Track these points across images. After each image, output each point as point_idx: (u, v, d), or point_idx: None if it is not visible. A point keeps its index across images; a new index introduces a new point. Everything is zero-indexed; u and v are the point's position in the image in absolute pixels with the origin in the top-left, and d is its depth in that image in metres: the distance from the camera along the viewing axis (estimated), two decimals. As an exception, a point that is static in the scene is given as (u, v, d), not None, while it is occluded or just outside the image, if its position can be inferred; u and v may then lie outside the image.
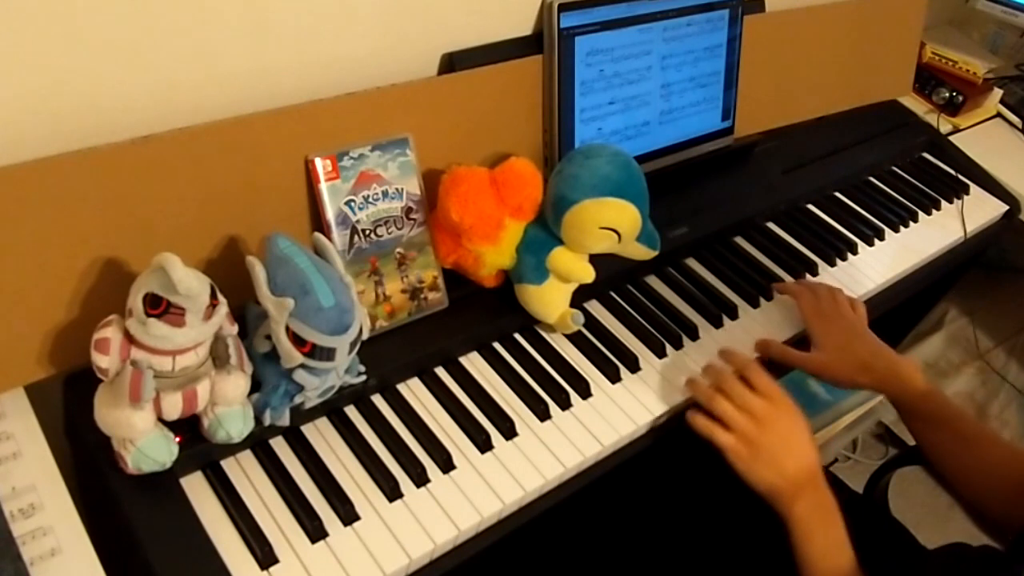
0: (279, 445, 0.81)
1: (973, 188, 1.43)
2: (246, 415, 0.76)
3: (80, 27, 0.72)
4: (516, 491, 0.82)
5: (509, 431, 0.87)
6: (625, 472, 0.92)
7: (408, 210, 0.91)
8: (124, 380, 0.68)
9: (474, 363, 0.94)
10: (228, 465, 0.79)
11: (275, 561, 0.72)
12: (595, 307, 1.05)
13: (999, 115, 1.60)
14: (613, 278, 1.05)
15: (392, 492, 0.79)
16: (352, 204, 0.87)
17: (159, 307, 0.67)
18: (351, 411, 0.86)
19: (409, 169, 0.91)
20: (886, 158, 1.43)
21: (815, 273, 1.19)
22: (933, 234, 1.31)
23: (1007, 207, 1.41)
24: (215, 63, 0.82)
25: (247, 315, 0.81)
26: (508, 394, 0.91)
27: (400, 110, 0.91)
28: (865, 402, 1.60)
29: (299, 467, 0.80)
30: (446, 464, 0.83)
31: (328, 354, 0.75)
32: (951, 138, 1.50)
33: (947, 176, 1.44)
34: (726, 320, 1.07)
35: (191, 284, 0.67)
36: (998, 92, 1.59)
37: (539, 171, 0.93)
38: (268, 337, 0.76)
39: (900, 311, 1.29)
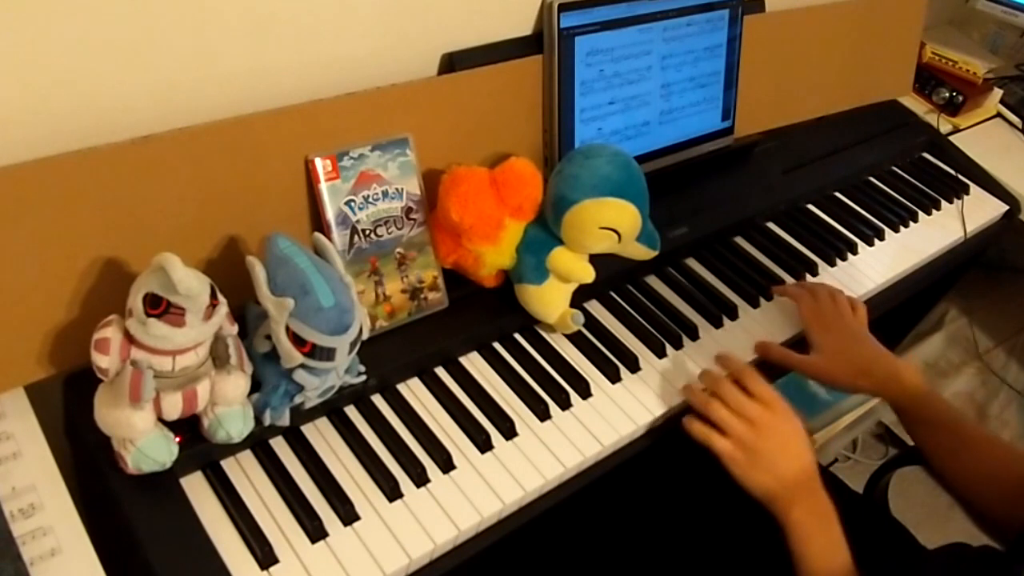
0: (279, 445, 0.81)
1: (973, 188, 1.43)
2: (246, 415, 0.76)
3: (80, 27, 0.72)
4: (516, 491, 0.82)
5: (509, 431, 0.87)
6: (625, 472, 0.92)
7: (408, 210, 0.91)
8: (124, 380, 0.68)
9: (474, 363, 0.94)
10: (228, 465, 0.79)
11: (275, 561, 0.72)
12: (595, 307, 1.05)
13: (999, 115, 1.60)
14: (613, 278, 1.05)
15: (392, 492, 0.79)
16: (352, 204, 0.87)
17: (159, 307, 0.67)
18: (351, 411, 0.86)
19: (409, 169, 0.91)
20: (886, 158, 1.43)
21: (815, 273, 1.19)
22: (933, 234, 1.31)
23: (1007, 207, 1.41)
24: (215, 63, 0.82)
25: (247, 315, 0.81)
26: (508, 394, 0.91)
27: (400, 110, 0.91)
28: (865, 402, 1.60)
29: (299, 467, 0.80)
30: (446, 464, 0.83)
31: (328, 354, 0.75)
32: (951, 138, 1.50)
33: (947, 176, 1.44)
34: (726, 320, 1.07)
35: (191, 284, 0.67)
36: (998, 92, 1.59)
37: (539, 171, 0.93)
38: (268, 337, 0.76)
39: (900, 311, 1.29)
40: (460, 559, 0.80)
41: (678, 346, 1.02)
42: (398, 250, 0.91)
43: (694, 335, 1.04)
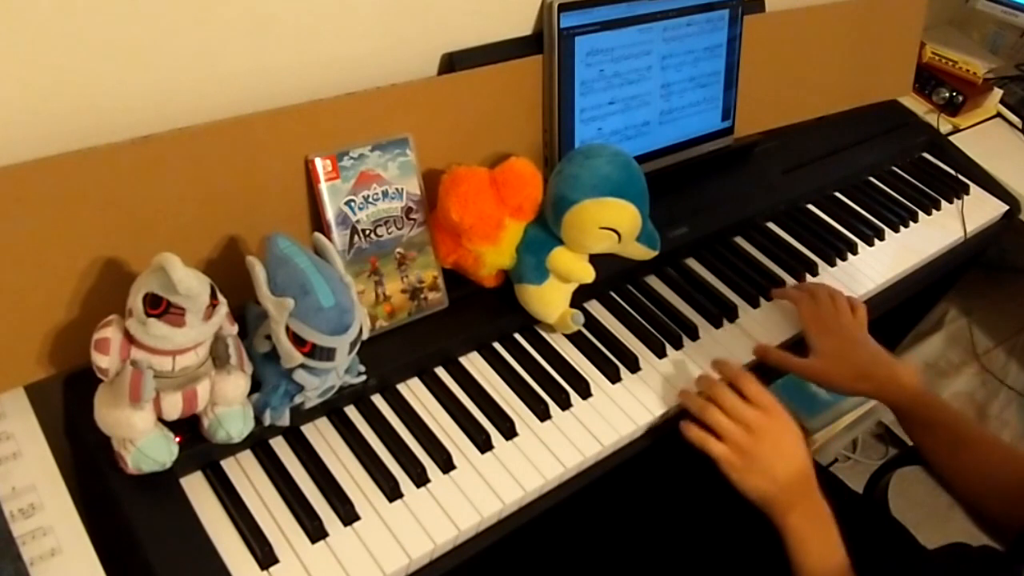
0: (279, 445, 0.81)
1: (973, 188, 1.43)
2: (246, 415, 0.76)
3: (80, 27, 0.72)
4: (516, 491, 0.82)
5: (509, 431, 0.87)
6: (625, 472, 0.92)
7: (408, 210, 0.91)
8: (124, 380, 0.68)
9: (474, 363, 0.94)
10: (228, 465, 0.79)
11: (275, 561, 0.72)
12: (595, 307, 1.05)
13: (999, 115, 1.60)
14: (613, 278, 1.05)
15: (392, 492, 0.79)
16: (352, 204, 0.87)
17: (159, 307, 0.67)
18: (351, 411, 0.86)
19: (409, 169, 0.91)
20: (886, 158, 1.43)
21: (815, 273, 1.19)
22: (933, 234, 1.31)
23: (1007, 207, 1.41)
24: (215, 63, 0.82)
25: (247, 315, 0.81)
26: (508, 394, 0.91)
27: (400, 110, 0.91)
28: (865, 402, 1.60)
29: (299, 467, 0.80)
30: (446, 464, 0.83)
31: (328, 354, 0.75)
32: (951, 138, 1.50)
33: (947, 176, 1.44)
34: (726, 320, 1.07)
35: (191, 284, 0.67)
36: (998, 92, 1.59)
37: (539, 171, 0.93)
38: (268, 337, 0.76)
39: (900, 311, 1.29)
40: (460, 559, 0.80)
41: (678, 346, 1.02)
42: (398, 250, 0.91)
43: (694, 335, 1.04)
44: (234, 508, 0.75)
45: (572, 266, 0.93)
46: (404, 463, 0.82)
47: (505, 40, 1.01)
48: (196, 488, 0.76)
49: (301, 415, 0.82)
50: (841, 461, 1.87)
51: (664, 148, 1.16)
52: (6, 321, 0.73)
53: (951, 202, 1.39)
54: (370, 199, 0.88)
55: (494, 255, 0.92)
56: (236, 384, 0.74)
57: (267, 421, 0.78)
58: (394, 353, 0.89)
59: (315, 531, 0.75)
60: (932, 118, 1.52)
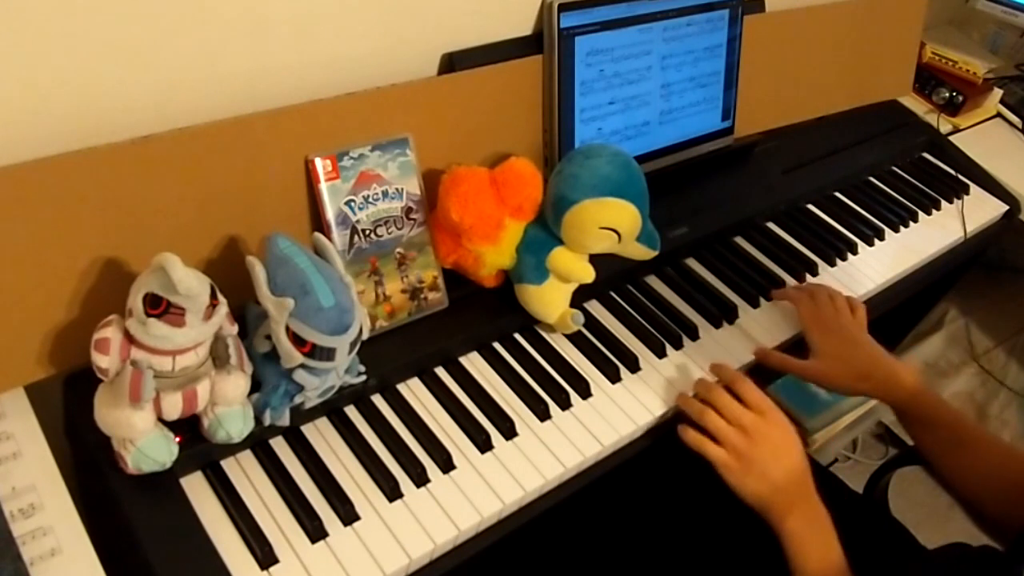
0: (279, 445, 0.81)
1: (973, 188, 1.43)
2: (246, 415, 0.76)
3: (80, 27, 0.72)
4: (516, 491, 0.82)
5: (509, 431, 0.87)
6: (625, 472, 0.92)
7: (408, 210, 0.91)
8: (124, 380, 0.68)
9: (474, 363, 0.94)
10: (228, 465, 0.79)
11: (275, 561, 0.72)
12: (595, 307, 1.05)
13: (999, 115, 1.60)
14: (613, 278, 1.05)
15: (392, 492, 0.79)
16: (352, 204, 0.87)
17: (159, 307, 0.67)
18: (351, 411, 0.86)
19: (409, 169, 0.91)
20: (886, 158, 1.43)
21: (815, 273, 1.19)
22: (933, 234, 1.31)
23: (1007, 207, 1.41)
24: (215, 63, 0.82)
25: (247, 315, 0.81)
26: (508, 394, 0.91)
27: (400, 110, 0.91)
28: (865, 402, 1.60)
29: (299, 467, 0.80)
30: (446, 464, 0.83)
31: (328, 354, 0.75)
32: (951, 138, 1.50)
33: (947, 176, 1.44)
34: (725, 320, 1.07)
35: (191, 284, 0.67)
36: (998, 92, 1.59)
37: (539, 171, 0.93)
38: (268, 337, 0.76)
39: (900, 311, 1.29)
40: (460, 559, 0.80)
41: (678, 346, 1.02)
42: (398, 250, 0.91)
43: (694, 335, 1.04)
44: (234, 508, 0.75)
45: (572, 266, 0.93)
46: (404, 463, 0.82)
47: (505, 40, 1.01)
48: (196, 488, 0.76)
49: (301, 415, 0.82)
50: (841, 461, 1.87)
51: (664, 148, 1.16)
52: (6, 321, 0.73)
53: (951, 202, 1.39)
54: (370, 199, 0.88)
55: (494, 255, 0.92)
56: (236, 384, 0.74)
57: (267, 421, 0.78)
58: (394, 353, 0.89)
59: (315, 531, 0.75)
60: (932, 118, 1.52)
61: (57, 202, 0.73)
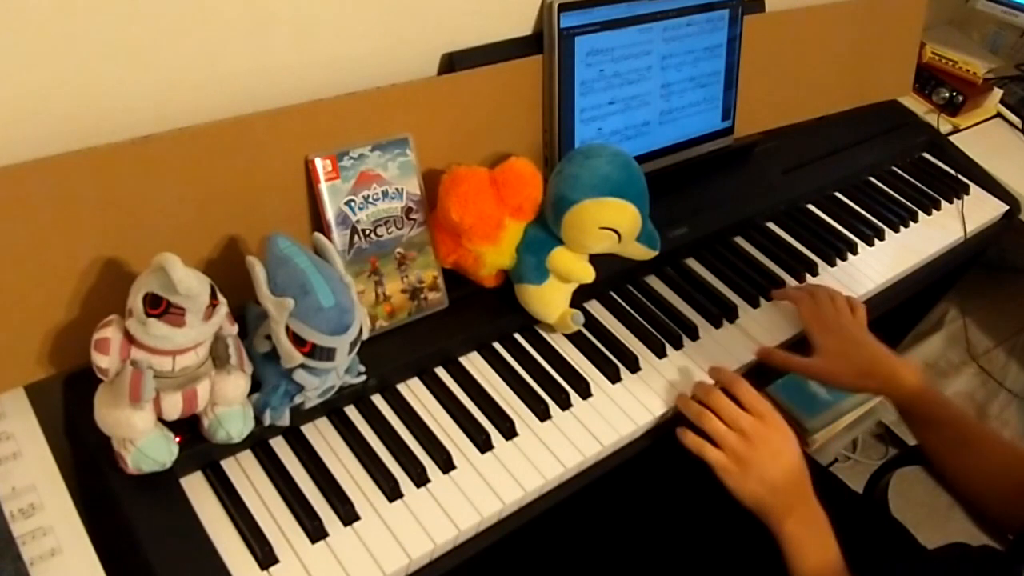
0: (279, 445, 0.81)
1: (973, 188, 1.43)
2: (246, 415, 0.76)
3: (80, 27, 0.72)
4: (516, 491, 0.82)
5: (509, 431, 0.87)
6: (625, 472, 0.92)
7: (408, 210, 0.91)
8: (124, 380, 0.68)
9: (474, 363, 0.94)
10: (228, 465, 0.79)
11: (275, 561, 0.72)
12: (595, 307, 1.05)
13: (999, 115, 1.60)
14: (613, 278, 1.05)
15: (392, 492, 0.79)
16: (352, 204, 0.87)
17: (159, 307, 0.67)
18: (351, 411, 0.86)
19: (409, 169, 0.91)
20: (886, 158, 1.43)
21: (815, 273, 1.19)
22: (933, 234, 1.31)
23: (1007, 207, 1.41)
24: (215, 63, 0.82)
25: (247, 315, 0.81)
26: (508, 394, 0.91)
27: (400, 110, 0.91)
28: (865, 402, 1.60)
29: (299, 467, 0.80)
30: (446, 464, 0.83)
31: (328, 354, 0.75)
32: (951, 138, 1.50)
33: (947, 176, 1.44)
34: (726, 320, 1.07)
35: (191, 284, 0.67)
36: (998, 92, 1.59)
37: (539, 171, 0.93)
38: (268, 337, 0.76)
39: (900, 311, 1.29)
40: (460, 559, 0.80)
41: (678, 346, 1.02)
42: (398, 250, 0.91)
43: (694, 335, 1.04)
44: (234, 508, 0.75)
45: (572, 266, 0.93)
46: (404, 463, 0.82)
47: (505, 40, 1.01)
48: (196, 488, 0.76)
49: (301, 415, 0.82)
50: (841, 461, 1.87)
51: (664, 148, 1.16)
52: (6, 321, 0.73)
53: (951, 202, 1.39)
54: (370, 199, 0.88)
55: (494, 255, 0.92)
56: (236, 384, 0.74)
57: (267, 421, 0.78)
58: (394, 353, 0.89)
59: (315, 531, 0.75)
60: (932, 118, 1.52)
61: (57, 202, 0.73)
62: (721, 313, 1.06)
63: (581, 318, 0.96)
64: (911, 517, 1.16)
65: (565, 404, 0.91)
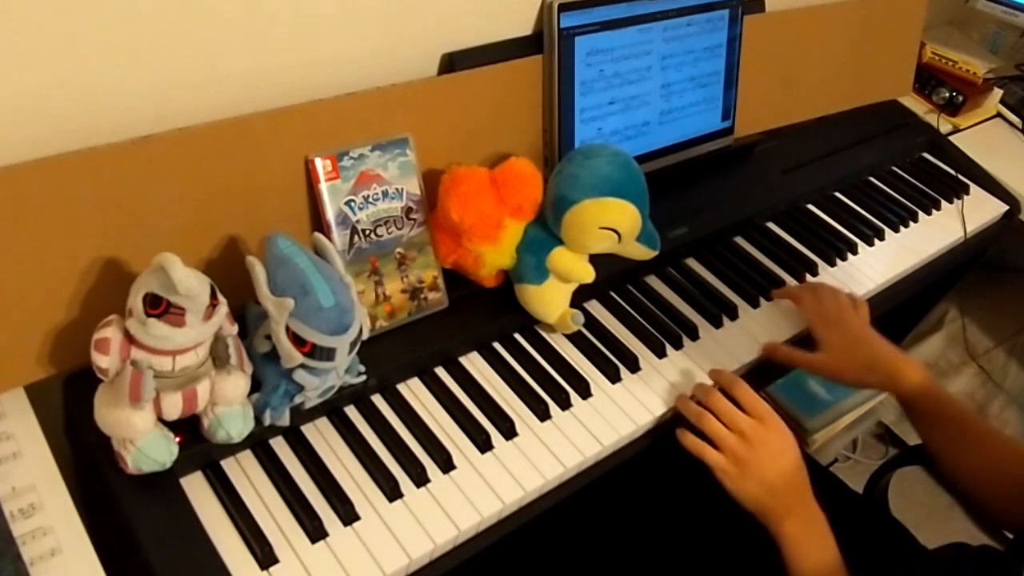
0: (279, 445, 0.81)
1: (973, 188, 1.43)
2: (246, 415, 0.76)
3: (80, 27, 0.72)
4: (516, 491, 0.82)
5: (509, 431, 0.87)
6: (625, 472, 0.92)
7: (408, 210, 0.91)
8: (124, 380, 0.68)
9: (474, 363, 0.94)
10: (228, 465, 0.79)
11: (275, 561, 0.72)
12: (595, 307, 1.05)
13: (999, 115, 1.60)
14: (613, 278, 1.05)
15: (392, 492, 0.79)
16: (352, 204, 0.87)
17: (159, 307, 0.67)
18: (351, 411, 0.86)
19: (409, 169, 0.91)
20: (886, 158, 1.43)
21: (815, 273, 1.19)
22: (933, 234, 1.31)
23: (1007, 207, 1.41)
24: (215, 63, 0.82)
25: (247, 315, 0.81)
26: (508, 394, 0.91)
27: (400, 110, 0.91)
28: (865, 402, 1.60)
29: (299, 467, 0.80)
30: (446, 464, 0.83)
31: (328, 354, 0.75)
32: (951, 138, 1.50)
33: (947, 176, 1.44)
34: (726, 320, 1.07)
35: (191, 284, 0.67)
36: (998, 92, 1.59)
37: (539, 171, 0.93)
38: (268, 337, 0.76)
39: (900, 311, 1.29)
40: (460, 559, 0.80)
41: (678, 346, 1.02)
42: (398, 250, 0.91)
43: (694, 335, 1.04)
44: (234, 508, 0.75)
45: (572, 266, 0.93)
46: (404, 463, 0.82)
47: (505, 40, 1.01)
48: (196, 488, 0.76)
49: (301, 415, 0.82)
50: (841, 461, 1.87)
51: (664, 148, 1.16)
52: (6, 321, 0.73)
53: (951, 202, 1.39)
54: (370, 199, 0.88)
55: (494, 255, 0.92)
56: (236, 384, 0.74)
57: (267, 421, 0.78)
58: (394, 353, 0.89)
59: (315, 531, 0.75)
60: (932, 118, 1.52)
61: (57, 202, 0.73)
62: (721, 313, 1.06)
63: (581, 318, 0.96)
64: (911, 517, 1.16)
65: (565, 404, 0.91)
